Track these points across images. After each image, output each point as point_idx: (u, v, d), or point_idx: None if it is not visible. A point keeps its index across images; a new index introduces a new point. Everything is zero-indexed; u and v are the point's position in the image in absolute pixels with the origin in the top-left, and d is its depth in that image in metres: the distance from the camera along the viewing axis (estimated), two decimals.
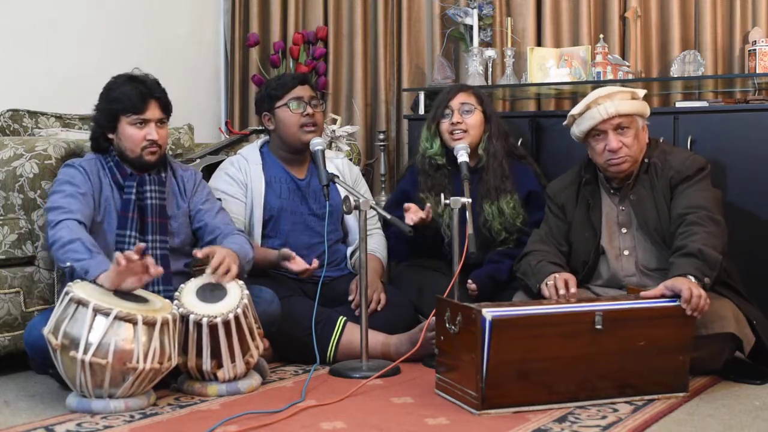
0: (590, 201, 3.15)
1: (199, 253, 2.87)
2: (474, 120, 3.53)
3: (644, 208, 3.06)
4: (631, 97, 3.01)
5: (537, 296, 3.00)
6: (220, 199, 3.29)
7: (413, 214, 3.26)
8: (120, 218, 2.92)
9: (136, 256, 2.60)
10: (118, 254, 2.62)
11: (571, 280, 2.93)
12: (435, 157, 3.54)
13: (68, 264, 2.69)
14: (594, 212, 3.14)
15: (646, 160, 3.07)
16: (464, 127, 3.51)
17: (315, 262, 3.23)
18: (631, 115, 3.00)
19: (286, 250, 3.28)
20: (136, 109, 2.91)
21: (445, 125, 3.54)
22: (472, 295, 3.33)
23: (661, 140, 3.23)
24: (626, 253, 3.11)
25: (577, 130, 3.07)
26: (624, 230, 3.11)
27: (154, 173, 2.99)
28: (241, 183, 3.44)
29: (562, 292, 2.88)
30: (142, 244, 2.64)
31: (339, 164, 3.60)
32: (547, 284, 2.94)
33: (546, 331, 2.59)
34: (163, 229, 2.96)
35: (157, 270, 2.66)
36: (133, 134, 2.93)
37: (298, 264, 3.23)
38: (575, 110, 3.06)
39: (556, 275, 2.94)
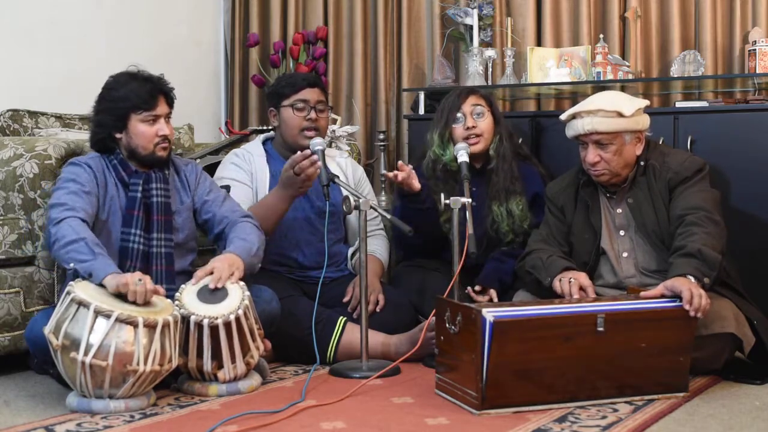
0: (589, 203, 3.15)
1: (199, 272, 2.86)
2: (486, 123, 3.52)
3: (642, 211, 3.06)
4: (617, 115, 2.97)
5: (546, 290, 2.99)
6: (228, 186, 3.29)
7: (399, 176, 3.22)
8: (125, 216, 2.90)
9: (143, 296, 2.63)
10: (125, 283, 2.61)
11: (589, 287, 2.91)
12: (450, 164, 3.49)
13: (71, 265, 2.67)
14: (593, 214, 3.14)
15: (642, 163, 3.07)
16: (479, 131, 3.49)
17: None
18: (611, 133, 2.99)
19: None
20: (147, 106, 2.89)
21: (458, 130, 3.50)
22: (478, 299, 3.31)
23: (660, 141, 3.22)
24: (625, 255, 3.11)
25: (567, 133, 3.10)
26: (622, 233, 3.11)
27: (158, 170, 2.98)
28: (248, 171, 3.44)
29: (576, 297, 2.88)
30: (161, 290, 2.69)
31: (342, 163, 3.60)
32: (561, 281, 2.93)
33: (547, 332, 2.59)
34: (168, 227, 2.95)
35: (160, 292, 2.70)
36: (145, 131, 2.90)
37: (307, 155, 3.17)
38: (563, 116, 3.09)
39: (572, 278, 2.93)
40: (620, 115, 2.97)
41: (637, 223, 3.08)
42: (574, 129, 3.04)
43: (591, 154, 3.02)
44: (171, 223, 2.97)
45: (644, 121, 3.06)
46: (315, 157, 3.13)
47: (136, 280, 2.61)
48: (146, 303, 2.64)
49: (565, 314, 2.65)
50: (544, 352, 2.58)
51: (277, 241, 3.41)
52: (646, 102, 3.09)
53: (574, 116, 3.03)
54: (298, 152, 3.16)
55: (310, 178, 3.15)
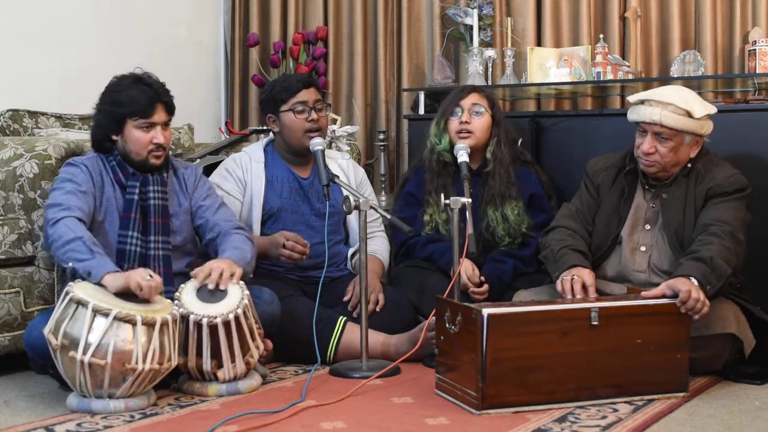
0: (626, 190, 3.15)
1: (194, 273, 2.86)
2: (482, 122, 3.53)
3: (672, 209, 3.06)
4: (686, 115, 2.96)
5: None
6: None
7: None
8: (122, 218, 2.91)
9: (156, 291, 2.64)
10: (137, 281, 2.61)
11: (591, 286, 2.91)
12: (442, 153, 3.53)
13: (70, 264, 2.68)
14: (626, 202, 3.13)
15: (689, 165, 3.07)
16: (471, 128, 3.50)
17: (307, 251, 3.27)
18: (675, 130, 2.98)
19: (280, 234, 3.29)
20: (144, 113, 2.89)
21: (453, 124, 3.53)
22: (479, 296, 3.31)
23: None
24: (642, 249, 3.10)
25: (629, 116, 3.07)
26: (648, 227, 3.11)
27: (156, 173, 2.98)
28: (240, 180, 3.44)
29: (579, 296, 2.88)
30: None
31: (344, 165, 3.60)
32: (563, 279, 2.93)
33: (542, 327, 2.60)
34: (165, 230, 2.95)
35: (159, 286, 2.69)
36: (139, 137, 2.91)
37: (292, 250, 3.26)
38: (632, 98, 3.06)
39: (575, 275, 2.93)
40: (690, 115, 2.96)
41: (664, 220, 3.07)
42: (638, 114, 3.01)
43: (647, 144, 3.01)
44: (168, 225, 2.97)
45: (708, 126, 3.03)
46: (308, 253, 3.29)
47: (147, 276, 2.63)
48: (146, 301, 2.64)
49: (559, 309, 2.66)
50: (540, 349, 2.59)
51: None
52: (715, 109, 3.05)
53: (642, 101, 3.02)
54: (299, 247, 3.25)
55: (288, 258, 3.27)
